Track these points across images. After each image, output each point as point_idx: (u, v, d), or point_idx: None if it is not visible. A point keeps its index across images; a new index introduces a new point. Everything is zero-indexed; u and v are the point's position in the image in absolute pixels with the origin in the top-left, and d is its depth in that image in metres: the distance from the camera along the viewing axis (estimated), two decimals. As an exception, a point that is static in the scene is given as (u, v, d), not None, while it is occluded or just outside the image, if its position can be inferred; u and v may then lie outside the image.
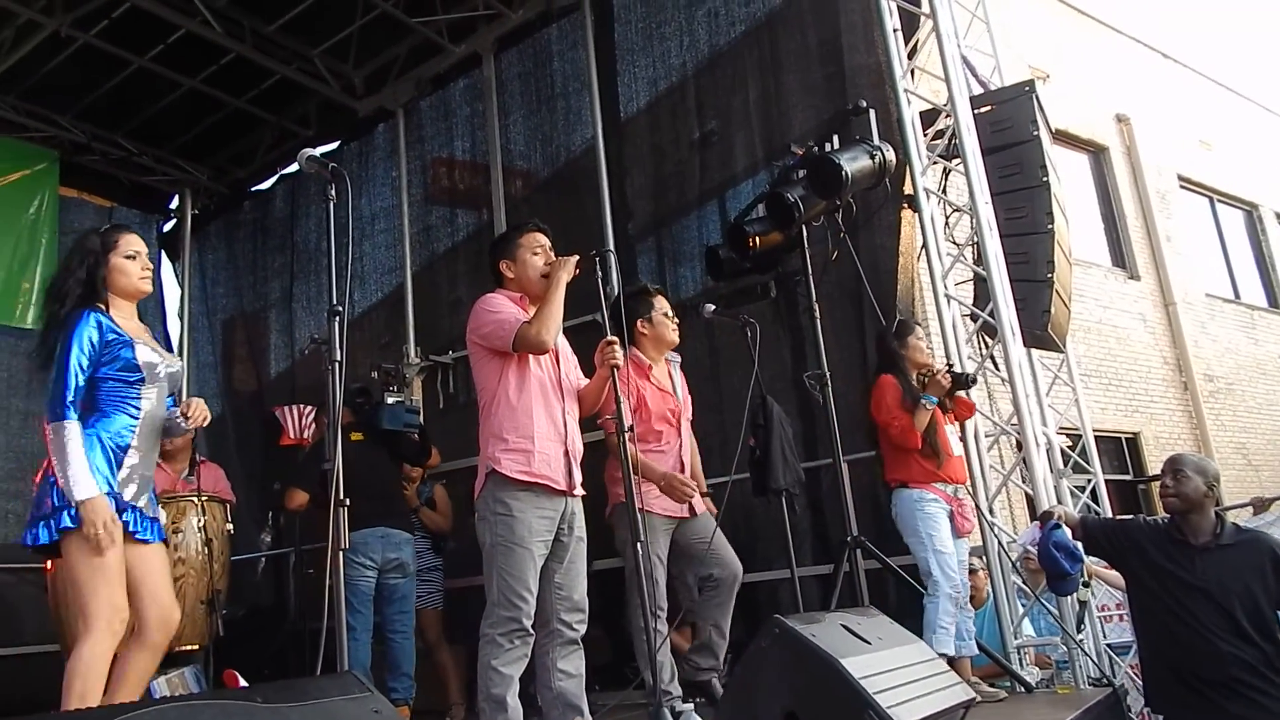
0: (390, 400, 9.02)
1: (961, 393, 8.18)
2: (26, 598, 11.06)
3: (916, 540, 7.64)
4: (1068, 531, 6.92)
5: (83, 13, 11.13)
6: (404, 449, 9.16)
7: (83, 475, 5.14)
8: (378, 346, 12.91)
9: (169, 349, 14.74)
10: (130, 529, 5.39)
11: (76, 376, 5.25)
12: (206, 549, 8.20)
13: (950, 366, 8.33)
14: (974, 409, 8.44)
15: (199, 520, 8.26)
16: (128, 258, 5.66)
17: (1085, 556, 7.11)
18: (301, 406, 11.23)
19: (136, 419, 5.49)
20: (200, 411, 5.69)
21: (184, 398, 5.81)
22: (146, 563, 5.48)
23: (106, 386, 5.40)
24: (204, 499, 8.37)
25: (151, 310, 14.73)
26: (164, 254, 15.37)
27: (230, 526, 8.61)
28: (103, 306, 5.52)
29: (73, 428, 5.20)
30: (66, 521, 5.10)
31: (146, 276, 5.78)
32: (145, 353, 5.56)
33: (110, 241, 5.65)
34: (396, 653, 8.69)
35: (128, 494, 5.43)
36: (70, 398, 5.22)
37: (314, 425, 10.93)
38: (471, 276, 11.88)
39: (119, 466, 5.40)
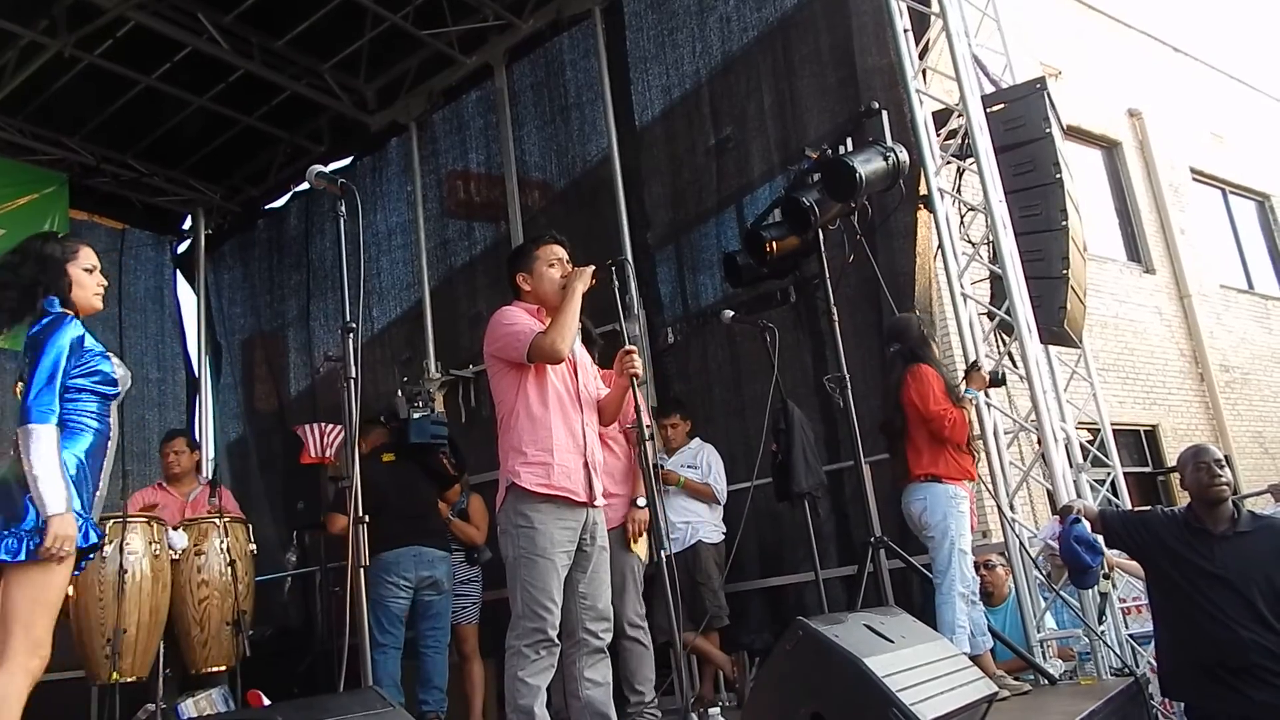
0: (415, 415, 9.01)
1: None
2: (50, 625, 11.07)
3: (942, 536, 7.60)
4: (1087, 525, 6.93)
5: (86, 33, 11.10)
6: (435, 465, 9.14)
7: (57, 486, 4.79)
8: (398, 362, 12.92)
9: (191, 371, 14.76)
10: (90, 558, 5.26)
11: (62, 380, 4.95)
12: (230, 570, 8.22)
13: (976, 363, 8.34)
14: None
15: (222, 542, 8.27)
16: (86, 270, 5.37)
17: (1105, 549, 7.11)
18: (323, 425, 11.23)
19: (106, 437, 5.20)
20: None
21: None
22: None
23: (76, 400, 5.07)
24: (226, 520, 8.39)
25: (169, 331, 14.80)
26: (179, 275, 15.38)
27: (253, 547, 8.63)
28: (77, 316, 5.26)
29: (51, 432, 4.84)
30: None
31: (100, 294, 5.46)
32: (119, 367, 5.31)
33: (71, 251, 5.36)
34: (429, 667, 8.70)
35: (96, 519, 5.16)
36: (54, 403, 4.87)
37: (337, 443, 10.93)
38: (490, 290, 11.86)
39: (95, 489, 5.12)
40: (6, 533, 4.74)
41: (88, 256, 5.43)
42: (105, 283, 5.53)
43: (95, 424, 5.14)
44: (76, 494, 4.91)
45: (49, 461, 4.80)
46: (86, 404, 5.12)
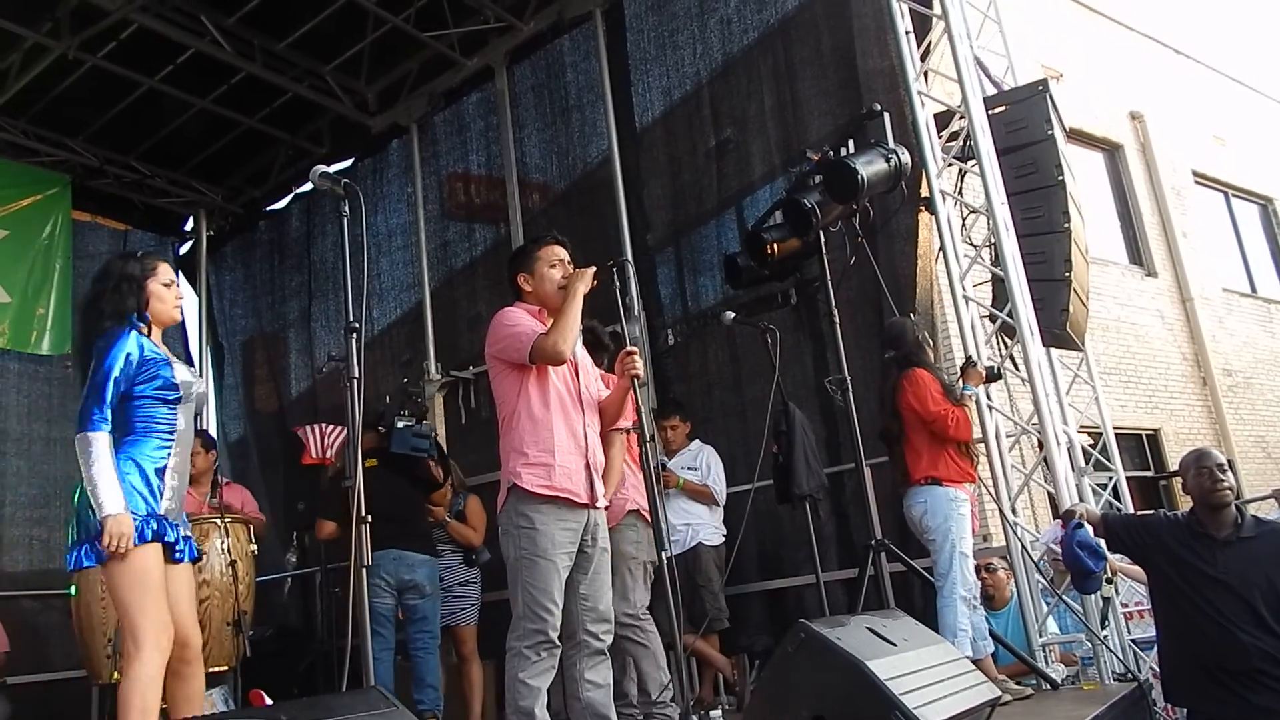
0: (399, 424, 9.01)
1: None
2: (53, 625, 11.12)
3: (943, 539, 7.58)
4: (1090, 529, 6.92)
5: (90, 34, 11.10)
6: (418, 473, 9.13)
7: (112, 489, 5.10)
8: (398, 364, 12.92)
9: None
10: (175, 549, 5.40)
11: (114, 389, 5.25)
12: (231, 570, 8.22)
13: (972, 360, 8.33)
14: None
15: (222, 542, 8.29)
16: (165, 285, 5.69)
17: (1108, 553, 7.10)
18: (324, 426, 11.23)
19: (172, 438, 5.47)
20: None
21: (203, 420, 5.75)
22: (182, 584, 5.49)
23: (143, 407, 5.38)
24: (227, 521, 8.39)
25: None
26: (181, 276, 15.27)
27: (254, 547, 8.63)
28: (144, 328, 5.55)
29: (104, 439, 5.17)
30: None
31: (179, 306, 5.83)
32: (182, 372, 5.57)
33: (150, 268, 5.68)
34: (420, 667, 8.73)
35: (171, 515, 5.41)
36: (104, 411, 5.20)
37: (338, 443, 10.92)
38: (490, 292, 11.85)
39: (162, 488, 5.38)
40: (85, 545, 5.23)
41: (165, 272, 5.81)
42: (183, 296, 5.94)
43: (163, 426, 5.48)
44: (143, 497, 5.28)
45: (102, 466, 5.15)
46: (152, 409, 5.46)
